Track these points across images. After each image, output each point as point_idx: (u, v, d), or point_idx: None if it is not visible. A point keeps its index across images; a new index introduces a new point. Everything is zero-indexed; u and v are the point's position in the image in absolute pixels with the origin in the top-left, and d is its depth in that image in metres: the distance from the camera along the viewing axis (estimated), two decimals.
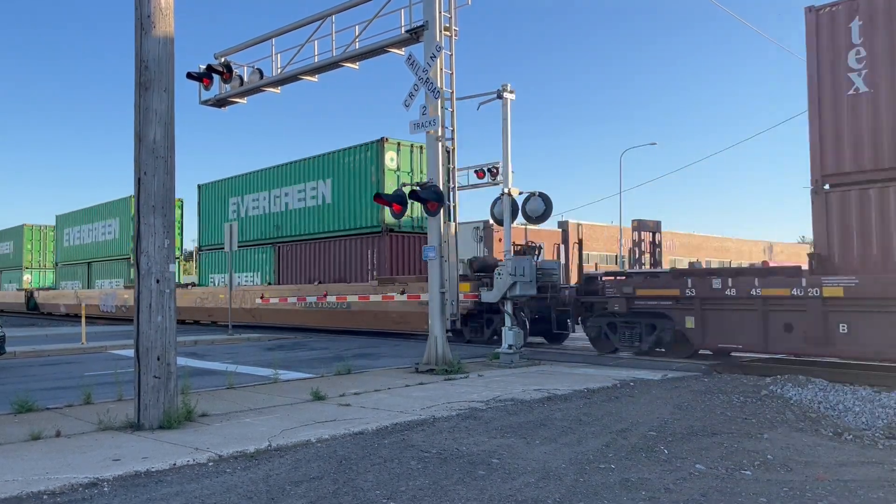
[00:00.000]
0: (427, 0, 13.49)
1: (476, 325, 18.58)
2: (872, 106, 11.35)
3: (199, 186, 30.51)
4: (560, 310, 16.36)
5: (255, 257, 27.55)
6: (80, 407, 9.13)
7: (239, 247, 25.27)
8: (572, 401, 9.35)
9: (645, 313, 13.93)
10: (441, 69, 13.36)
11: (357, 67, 15.59)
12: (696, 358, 13.53)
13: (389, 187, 20.18)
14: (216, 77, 16.78)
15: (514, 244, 15.42)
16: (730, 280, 12.59)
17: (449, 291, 13.31)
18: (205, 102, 17.79)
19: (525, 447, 6.78)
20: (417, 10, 13.79)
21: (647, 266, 21.92)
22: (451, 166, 13.71)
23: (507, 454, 6.50)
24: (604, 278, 15.26)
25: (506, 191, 14.69)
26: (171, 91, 8.23)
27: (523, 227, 19.42)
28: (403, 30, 14.01)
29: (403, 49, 14.33)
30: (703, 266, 31.70)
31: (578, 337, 17.32)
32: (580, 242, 19.18)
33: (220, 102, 17.75)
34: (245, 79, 16.98)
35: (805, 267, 12.37)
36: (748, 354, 13.42)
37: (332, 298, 22.53)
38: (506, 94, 14.55)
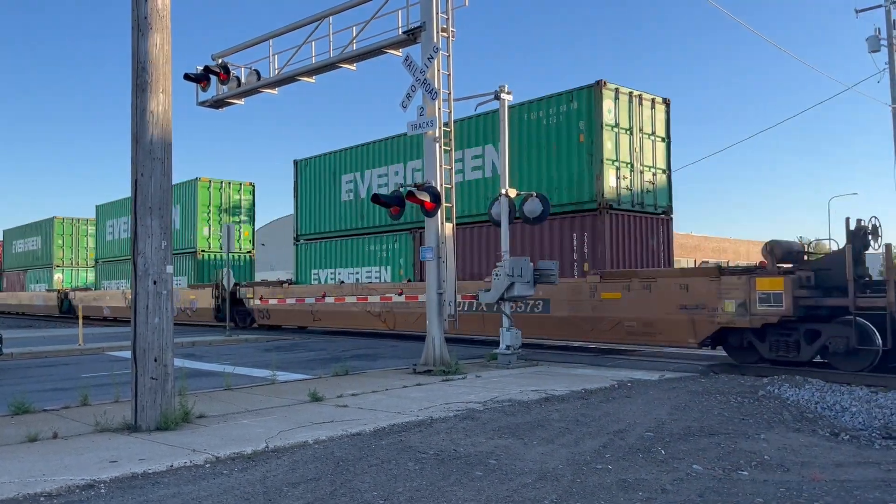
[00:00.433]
0: (424, 1, 13.51)
1: None
2: None
3: (295, 163, 25.74)
4: None
5: (382, 247, 22.09)
6: (77, 408, 9.13)
7: (356, 234, 22.55)
8: (570, 401, 9.35)
9: None
10: (438, 70, 13.37)
11: (354, 68, 15.60)
12: None
13: (609, 150, 16.78)
14: (213, 78, 16.78)
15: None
16: None
17: (447, 292, 13.32)
18: (202, 104, 17.77)
19: (522, 448, 6.78)
20: (415, 12, 13.81)
21: None
22: (450, 167, 13.73)
23: (505, 455, 6.50)
24: None
25: (504, 192, 14.69)
26: (168, 92, 8.23)
27: None
28: (401, 31, 14.02)
29: (401, 50, 14.34)
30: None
31: None
32: None
33: (218, 103, 17.73)
34: (242, 80, 16.97)
35: None
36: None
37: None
38: (503, 96, 14.56)
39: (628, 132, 17.43)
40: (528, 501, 5.18)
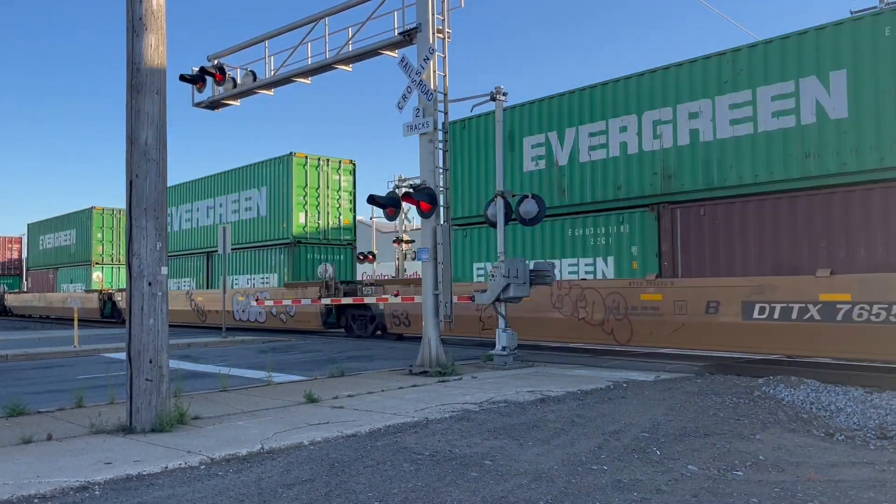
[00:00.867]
0: (420, 2, 13.52)
1: None
2: None
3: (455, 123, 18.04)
4: None
5: (600, 231, 15.71)
6: (71, 410, 9.11)
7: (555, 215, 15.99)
8: (565, 402, 9.36)
9: None
10: (434, 71, 13.38)
11: (350, 69, 15.60)
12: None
13: None
14: (209, 79, 16.78)
15: None
16: None
17: (443, 293, 13.33)
18: (198, 105, 17.76)
19: (518, 449, 6.78)
20: (410, 13, 13.81)
21: None
22: (445, 168, 13.73)
23: (500, 456, 6.50)
24: None
25: (499, 192, 14.70)
26: (163, 93, 8.22)
27: None
28: (396, 32, 14.03)
29: (396, 51, 14.33)
30: None
31: None
32: None
33: (213, 105, 17.72)
34: (238, 81, 16.96)
35: None
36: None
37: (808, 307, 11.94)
38: (499, 97, 14.57)
39: None
40: (524, 502, 5.18)
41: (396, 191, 13.91)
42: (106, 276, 36.12)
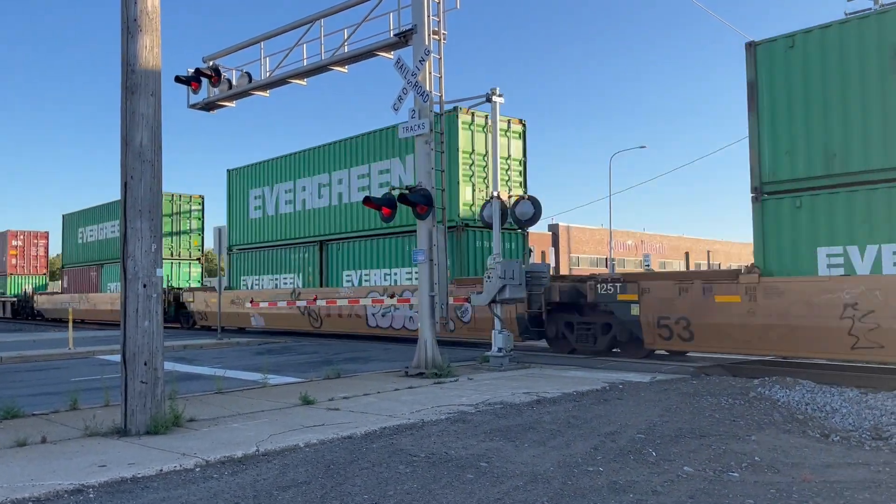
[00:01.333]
0: (415, 4, 13.51)
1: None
2: None
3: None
4: None
5: None
6: (66, 413, 9.07)
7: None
8: (561, 404, 9.35)
9: None
10: (430, 73, 13.37)
11: (346, 71, 15.58)
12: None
13: None
14: (204, 81, 16.73)
15: None
16: None
17: (438, 294, 13.32)
18: (193, 106, 17.70)
19: (514, 450, 6.77)
20: (406, 14, 13.81)
21: None
22: (441, 169, 13.73)
23: (496, 457, 6.49)
24: None
25: (495, 194, 14.71)
26: (158, 95, 8.20)
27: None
28: (392, 33, 14.01)
29: (392, 52, 14.32)
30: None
31: None
32: None
33: (209, 106, 17.68)
34: (234, 82, 16.93)
35: None
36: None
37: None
38: (494, 98, 14.57)
39: None
40: None
41: (392, 192, 13.89)
42: (165, 272, 25.59)
